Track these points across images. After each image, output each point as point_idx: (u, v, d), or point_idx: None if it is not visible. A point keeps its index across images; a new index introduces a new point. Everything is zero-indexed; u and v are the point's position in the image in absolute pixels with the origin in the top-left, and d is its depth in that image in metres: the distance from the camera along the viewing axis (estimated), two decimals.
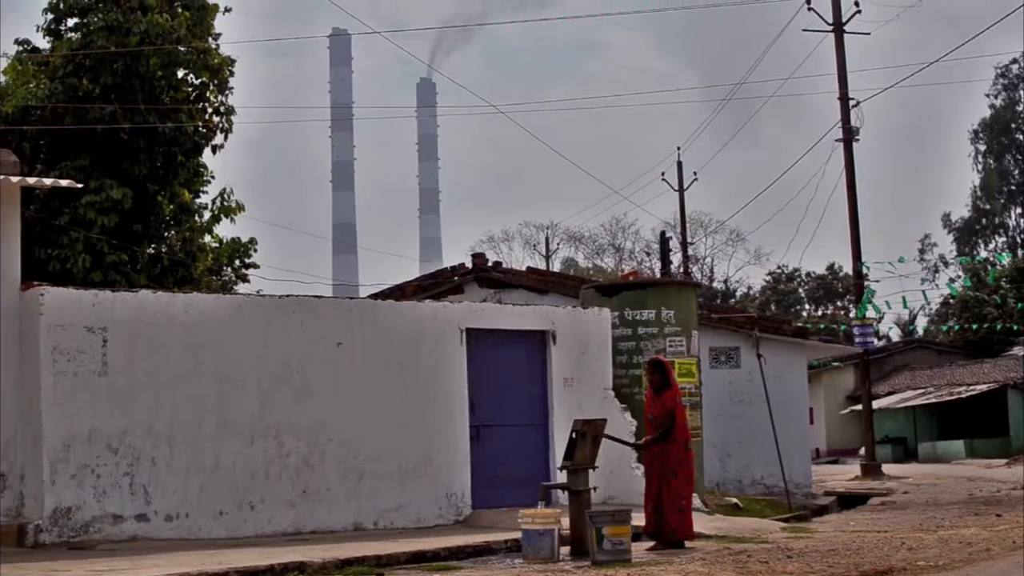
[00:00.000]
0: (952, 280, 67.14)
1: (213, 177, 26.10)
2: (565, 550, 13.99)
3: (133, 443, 15.19)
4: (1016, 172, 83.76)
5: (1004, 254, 71.09)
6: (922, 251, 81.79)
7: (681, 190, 56.50)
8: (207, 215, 25.78)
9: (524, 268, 38.80)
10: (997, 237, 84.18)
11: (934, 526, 18.51)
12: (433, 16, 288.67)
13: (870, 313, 36.90)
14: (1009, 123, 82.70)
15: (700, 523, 16.15)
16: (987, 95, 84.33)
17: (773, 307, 76.68)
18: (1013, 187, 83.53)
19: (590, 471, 14.52)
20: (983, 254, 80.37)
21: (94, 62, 23.55)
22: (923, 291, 44.00)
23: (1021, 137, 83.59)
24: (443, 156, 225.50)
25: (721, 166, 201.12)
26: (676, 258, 59.73)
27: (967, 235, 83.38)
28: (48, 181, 17.33)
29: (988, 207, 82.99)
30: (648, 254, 78.87)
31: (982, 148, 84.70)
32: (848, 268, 52.55)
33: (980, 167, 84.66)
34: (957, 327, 58.52)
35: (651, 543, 14.86)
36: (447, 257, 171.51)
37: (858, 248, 38.23)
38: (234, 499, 15.81)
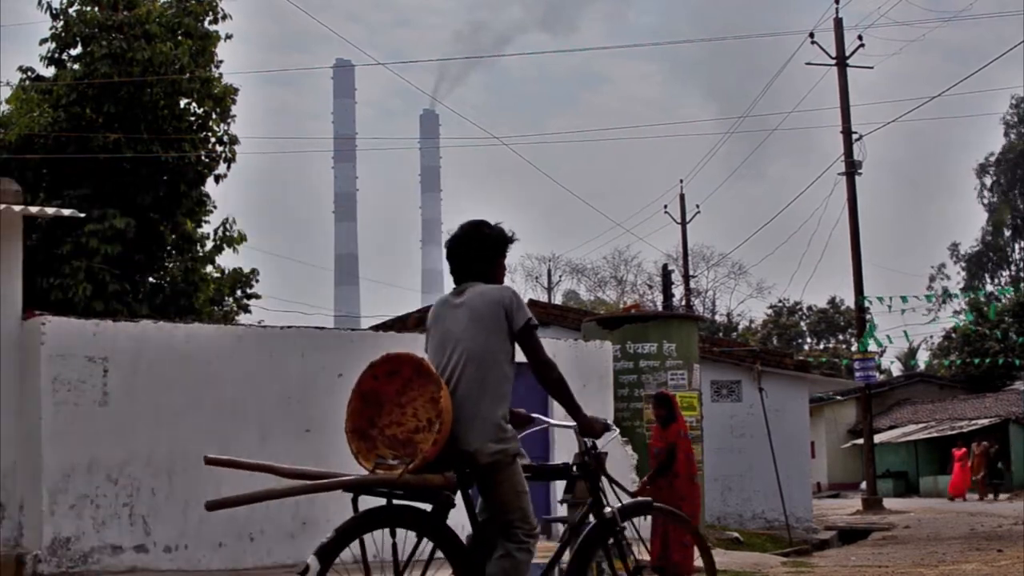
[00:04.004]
0: (956, 312, 67.04)
1: (215, 207, 26.07)
2: None
3: (133, 474, 15.13)
4: (1022, 206, 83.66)
5: (1007, 288, 70.94)
6: (932, 279, 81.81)
7: (684, 223, 56.44)
8: (209, 245, 25.73)
9: (526, 300, 38.75)
10: (1003, 271, 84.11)
11: (935, 561, 18.44)
12: (438, 48, 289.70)
13: (872, 347, 36.85)
14: (1021, 156, 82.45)
15: None
16: (1005, 122, 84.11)
17: (775, 340, 76.55)
18: (1019, 221, 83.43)
19: None
20: (988, 287, 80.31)
21: (97, 91, 23.57)
22: (935, 317, 44.35)
23: None
24: (445, 187, 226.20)
25: (724, 199, 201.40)
26: (678, 291, 59.67)
27: (976, 268, 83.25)
28: (50, 210, 17.29)
29: (992, 240, 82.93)
30: (650, 287, 78.74)
31: (988, 182, 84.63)
32: (850, 302, 52.54)
33: (986, 201, 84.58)
34: (959, 361, 58.44)
35: None
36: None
37: (860, 282, 38.18)
38: (234, 531, 15.71)
